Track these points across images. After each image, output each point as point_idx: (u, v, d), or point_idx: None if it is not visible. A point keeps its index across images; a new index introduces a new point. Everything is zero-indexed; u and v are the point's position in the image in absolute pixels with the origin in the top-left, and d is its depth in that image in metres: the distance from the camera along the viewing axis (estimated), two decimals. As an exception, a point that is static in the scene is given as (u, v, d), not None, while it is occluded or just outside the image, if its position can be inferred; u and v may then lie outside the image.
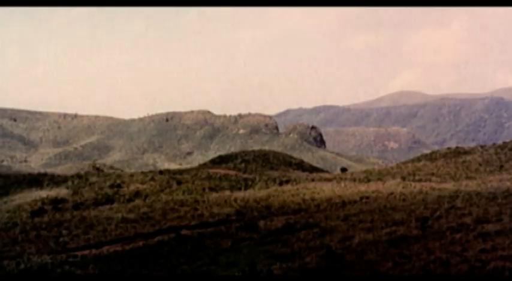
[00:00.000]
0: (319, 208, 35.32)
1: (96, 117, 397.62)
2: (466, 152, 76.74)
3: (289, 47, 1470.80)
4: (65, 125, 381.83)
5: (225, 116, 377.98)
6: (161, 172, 68.41)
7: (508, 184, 40.44)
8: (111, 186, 54.99)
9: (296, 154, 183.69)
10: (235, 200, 42.54)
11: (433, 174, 56.97)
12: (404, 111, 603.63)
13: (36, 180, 64.05)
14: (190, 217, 36.43)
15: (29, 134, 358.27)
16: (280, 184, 54.73)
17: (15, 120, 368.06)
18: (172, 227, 32.56)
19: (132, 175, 64.59)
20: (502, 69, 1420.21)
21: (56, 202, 48.02)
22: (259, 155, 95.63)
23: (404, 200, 34.11)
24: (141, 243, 28.26)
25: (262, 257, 19.39)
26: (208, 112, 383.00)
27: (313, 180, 56.55)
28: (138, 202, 46.53)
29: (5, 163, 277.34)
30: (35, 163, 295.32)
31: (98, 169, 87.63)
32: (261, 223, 29.15)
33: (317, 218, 28.54)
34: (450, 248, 16.96)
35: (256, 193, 46.96)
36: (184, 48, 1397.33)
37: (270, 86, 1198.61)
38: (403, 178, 52.53)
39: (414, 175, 56.06)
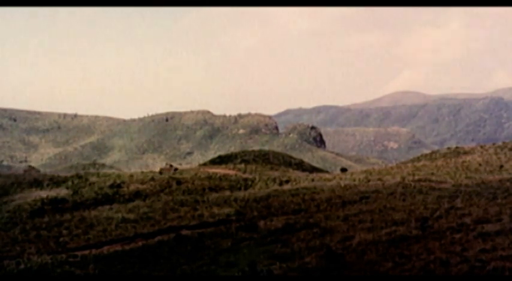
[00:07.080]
0: (319, 208, 35.27)
1: (96, 117, 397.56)
2: (466, 152, 76.65)
3: (289, 47, 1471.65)
4: (65, 125, 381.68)
5: (224, 116, 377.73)
6: (161, 172, 68.43)
7: (508, 184, 40.38)
8: (111, 186, 54.91)
9: (296, 154, 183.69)
10: (235, 200, 42.47)
11: (433, 174, 56.81)
12: (404, 111, 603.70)
13: (36, 180, 63.98)
14: (190, 217, 36.39)
15: (29, 134, 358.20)
16: (280, 184, 54.62)
17: (15, 120, 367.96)
18: (172, 227, 32.53)
19: (132, 175, 64.52)
20: (502, 69, 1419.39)
21: (56, 202, 47.93)
22: (259, 155, 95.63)
23: (404, 200, 34.08)
24: (141, 243, 28.22)
25: (262, 257, 19.39)
26: (208, 112, 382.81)
27: (313, 180, 56.44)
28: (138, 202, 46.47)
29: (5, 163, 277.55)
30: (35, 163, 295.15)
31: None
32: (261, 223, 29.13)
33: (317, 218, 28.53)
34: (450, 248, 16.96)
35: (256, 193, 46.88)
36: (184, 48, 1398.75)
37: (270, 86, 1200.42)
38: (403, 178, 52.38)
39: (414, 175, 55.89)
